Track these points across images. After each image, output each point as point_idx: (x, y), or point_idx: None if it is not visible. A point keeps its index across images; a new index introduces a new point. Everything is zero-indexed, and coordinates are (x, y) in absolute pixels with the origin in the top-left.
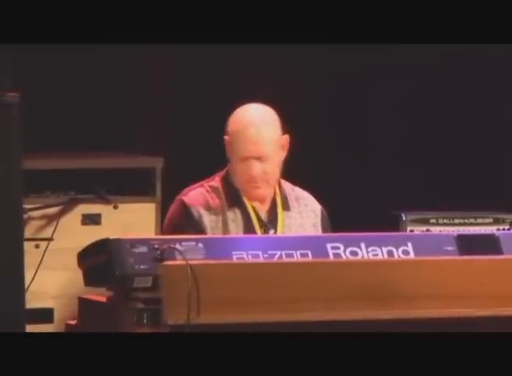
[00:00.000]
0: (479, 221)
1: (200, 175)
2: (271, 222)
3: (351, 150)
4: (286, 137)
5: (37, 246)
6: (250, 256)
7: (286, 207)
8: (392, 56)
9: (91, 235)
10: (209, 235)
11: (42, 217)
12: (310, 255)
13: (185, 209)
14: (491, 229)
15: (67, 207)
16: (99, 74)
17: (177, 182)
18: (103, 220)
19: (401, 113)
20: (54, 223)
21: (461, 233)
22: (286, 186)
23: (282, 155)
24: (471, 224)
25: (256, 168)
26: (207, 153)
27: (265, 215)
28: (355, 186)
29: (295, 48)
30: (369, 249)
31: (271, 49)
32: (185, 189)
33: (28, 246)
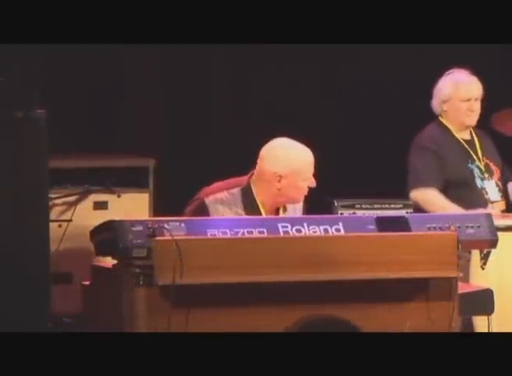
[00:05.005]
0: (392, 206)
1: (183, 173)
2: None
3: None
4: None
5: (59, 226)
6: (220, 233)
7: (284, 207)
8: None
9: (101, 217)
10: (189, 217)
11: (63, 204)
12: (265, 232)
13: (205, 208)
14: (401, 212)
15: (82, 196)
16: (104, 83)
17: (165, 177)
18: (110, 206)
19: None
20: (72, 208)
21: (379, 215)
22: None
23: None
24: (386, 208)
25: None
26: (190, 155)
27: (273, 215)
28: None
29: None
30: (310, 227)
31: (270, 51)
32: (205, 190)
33: (52, 226)
